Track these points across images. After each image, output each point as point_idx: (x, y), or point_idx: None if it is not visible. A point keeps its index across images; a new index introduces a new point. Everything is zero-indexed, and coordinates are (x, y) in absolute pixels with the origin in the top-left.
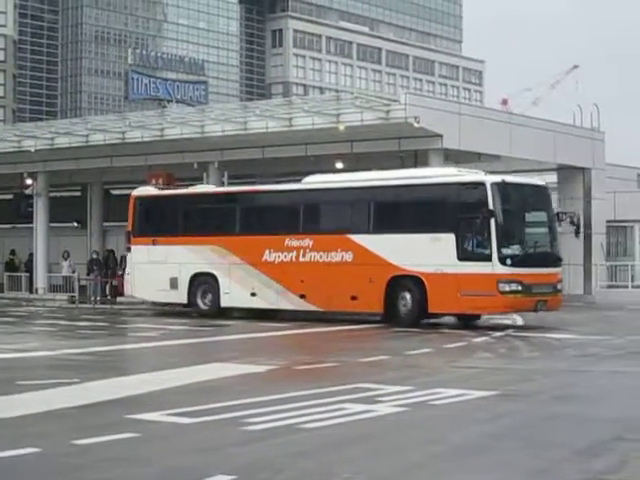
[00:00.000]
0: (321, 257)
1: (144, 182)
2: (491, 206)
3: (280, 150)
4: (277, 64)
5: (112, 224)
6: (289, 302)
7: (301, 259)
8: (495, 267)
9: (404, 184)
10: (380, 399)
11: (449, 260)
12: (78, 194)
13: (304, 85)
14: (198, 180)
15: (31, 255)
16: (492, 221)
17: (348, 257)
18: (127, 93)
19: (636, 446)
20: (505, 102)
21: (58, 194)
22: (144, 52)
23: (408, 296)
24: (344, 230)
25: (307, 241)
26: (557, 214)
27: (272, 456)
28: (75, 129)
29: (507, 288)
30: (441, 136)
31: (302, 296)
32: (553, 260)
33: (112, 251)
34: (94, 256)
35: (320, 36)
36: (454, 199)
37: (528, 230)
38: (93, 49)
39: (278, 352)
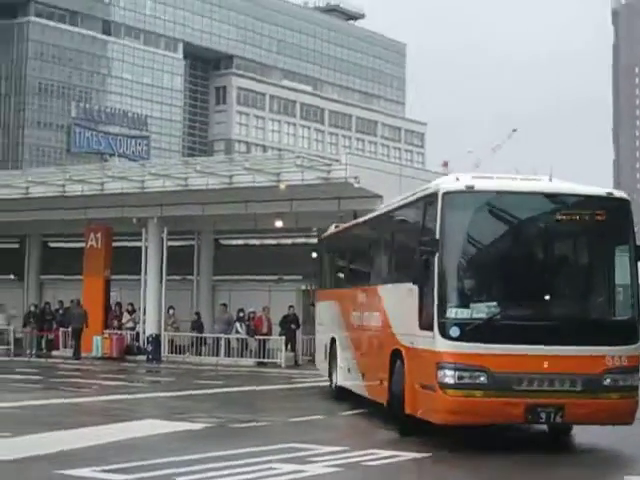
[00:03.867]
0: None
1: (82, 235)
2: (437, 233)
3: (220, 207)
4: (220, 121)
5: (50, 277)
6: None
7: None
8: (436, 341)
9: (369, 218)
10: (313, 459)
11: (414, 326)
12: (16, 246)
13: (247, 142)
14: (137, 235)
15: None
16: (435, 260)
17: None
18: (69, 146)
19: None
20: (446, 164)
21: None
22: (87, 105)
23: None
24: None
25: None
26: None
27: None
28: (15, 181)
29: (450, 380)
30: (381, 197)
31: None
32: (589, 330)
33: (48, 304)
34: (31, 309)
35: (264, 94)
36: (413, 226)
37: (522, 269)
38: (36, 101)
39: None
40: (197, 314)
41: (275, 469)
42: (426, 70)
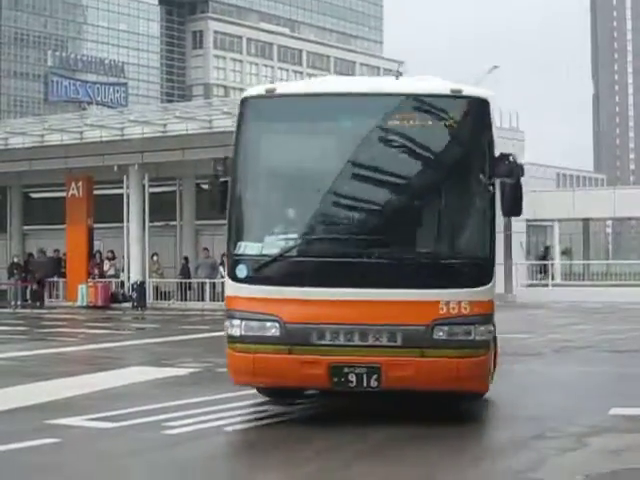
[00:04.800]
0: None
1: (63, 185)
2: (232, 150)
3: (201, 152)
4: (198, 65)
5: (32, 227)
6: None
7: None
8: (226, 284)
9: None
10: (299, 400)
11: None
12: None
13: (224, 87)
14: (119, 183)
15: None
16: (230, 182)
17: None
18: (47, 95)
19: (553, 444)
20: None
21: None
22: (64, 54)
23: None
24: None
25: None
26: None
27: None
28: None
29: (237, 332)
30: None
31: None
32: (415, 268)
33: (32, 255)
34: (15, 260)
35: (241, 37)
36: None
37: (330, 193)
38: (12, 51)
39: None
40: (185, 259)
41: (266, 411)
42: (404, 6)
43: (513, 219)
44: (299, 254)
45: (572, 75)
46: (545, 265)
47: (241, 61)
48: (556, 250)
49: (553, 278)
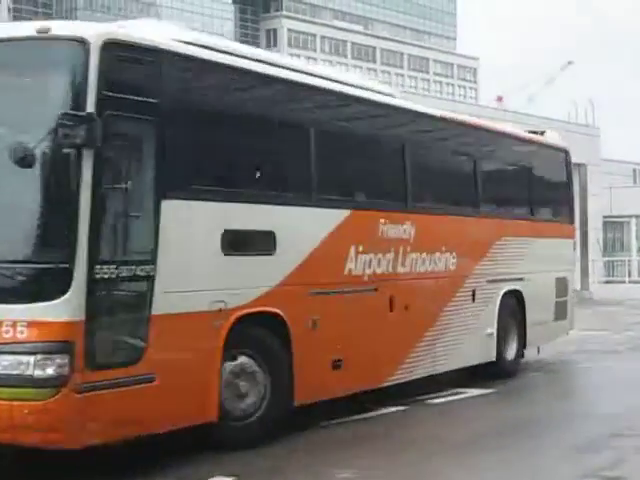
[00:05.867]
0: None
1: None
2: None
3: None
4: None
5: None
6: None
7: None
8: None
9: None
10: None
11: None
12: None
13: None
14: None
15: None
16: None
17: None
18: None
19: (634, 442)
20: (500, 99)
21: None
22: None
23: None
24: None
25: None
26: None
27: None
28: None
29: None
30: None
31: None
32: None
33: None
34: None
35: (315, 35)
36: None
37: None
38: None
39: None
40: None
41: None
42: (478, 3)
43: (590, 215)
44: None
45: None
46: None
47: (315, 59)
48: (633, 246)
49: (630, 275)
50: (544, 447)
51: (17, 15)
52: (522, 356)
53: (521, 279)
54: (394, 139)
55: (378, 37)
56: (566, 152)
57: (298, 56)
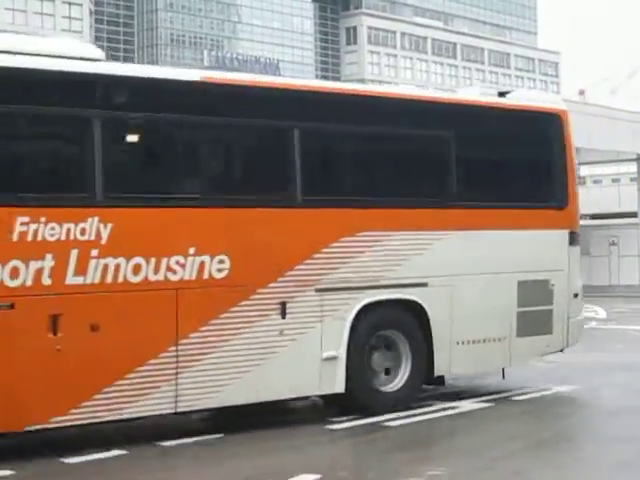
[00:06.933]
0: None
1: None
2: None
3: None
4: (352, 61)
5: None
6: None
7: None
8: None
9: None
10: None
11: None
12: None
13: (380, 82)
14: None
15: None
16: None
17: None
18: None
19: None
20: (582, 93)
21: None
22: (219, 54)
23: None
24: None
25: None
26: None
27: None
28: None
29: None
30: None
31: None
32: None
33: None
34: None
35: (394, 32)
36: None
37: None
38: (169, 52)
39: None
40: None
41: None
42: None
43: None
44: None
45: None
46: None
47: (395, 56)
48: None
49: None
50: (602, 454)
51: (99, 18)
52: (420, 385)
53: (422, 284)
54: None
55: (458, 33)
56: (554, 116)
57: (378, 53)
